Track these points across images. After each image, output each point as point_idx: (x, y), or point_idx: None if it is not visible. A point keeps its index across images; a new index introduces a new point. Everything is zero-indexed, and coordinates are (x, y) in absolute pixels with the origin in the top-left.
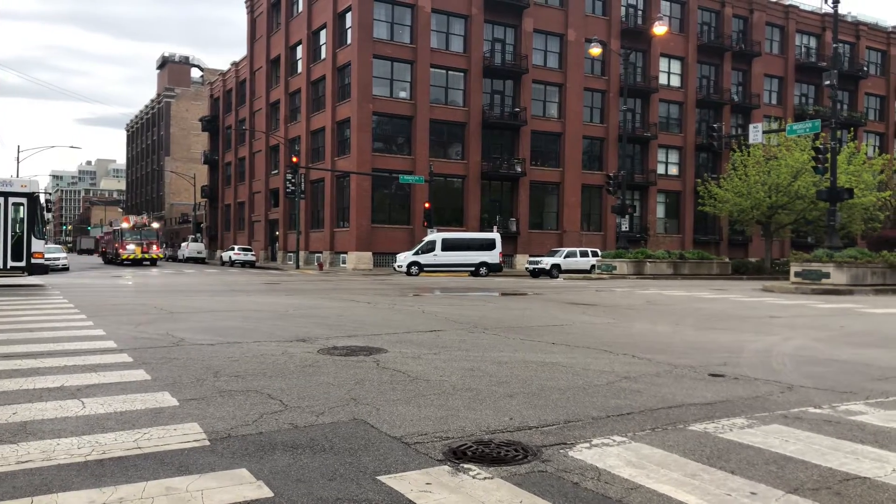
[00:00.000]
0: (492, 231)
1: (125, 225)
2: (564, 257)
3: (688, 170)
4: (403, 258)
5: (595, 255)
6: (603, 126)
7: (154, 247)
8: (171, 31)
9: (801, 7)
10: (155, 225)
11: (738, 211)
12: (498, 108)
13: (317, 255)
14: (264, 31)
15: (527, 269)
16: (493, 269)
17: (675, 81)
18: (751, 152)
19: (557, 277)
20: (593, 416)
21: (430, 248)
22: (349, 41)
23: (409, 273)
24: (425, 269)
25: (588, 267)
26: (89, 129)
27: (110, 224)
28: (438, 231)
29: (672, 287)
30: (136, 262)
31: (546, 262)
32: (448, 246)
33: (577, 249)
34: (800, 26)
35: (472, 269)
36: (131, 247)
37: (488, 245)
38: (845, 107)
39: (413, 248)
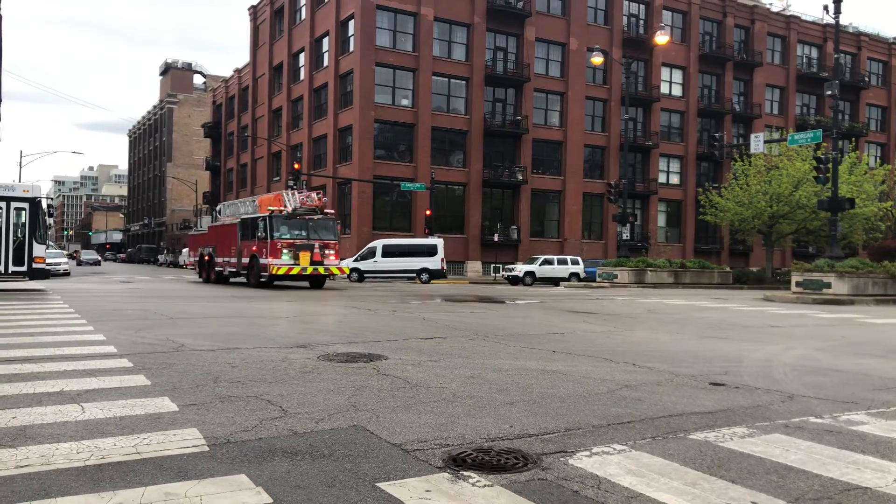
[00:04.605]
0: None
1: (276, 208)
2: (540, 265)
3: (689, 179)
4: (344, 265)
5: (575, 262)
6: (604, 135)
7: (331, 253)
8: (173, 36)
9: (803, 17)
10: (330, 211)
11: (739, 220)
12: (500, 116)
13: None
14: (267, 38)
15: (504, 276)
16: (434, 276)
17: (677, 91)
18: (752, 162)
19: (531, 285)
20: (594, 425)
21: (370, 254)
22: (352, 49)
23: (349, 279)
24: (366, 275)
25: (567, 275)
26: (91, 135)
27: (214, 214)
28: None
29: (673, 296)
30: (288, 279)
31: (519, 269)
32: (389, 252)
33: (555, 257)
34: (801, 37)
35: (413, 275)
36: (286, 255)
37: (430, 251)
38: (847, 117)
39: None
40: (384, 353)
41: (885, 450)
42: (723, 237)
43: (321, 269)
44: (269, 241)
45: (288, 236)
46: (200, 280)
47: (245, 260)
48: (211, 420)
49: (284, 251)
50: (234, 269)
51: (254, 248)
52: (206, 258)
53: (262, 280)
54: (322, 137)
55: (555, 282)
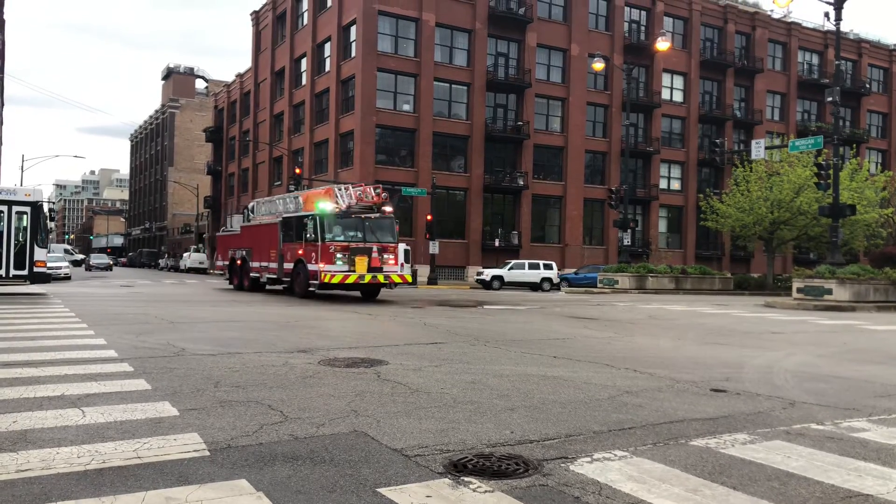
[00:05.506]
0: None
1: (327, 206)
2: (509, 269)
3: (690, 185)
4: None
5: (548, 267)
6: (605, 140)
7: (391, 257)
8: (174, 40)
9: (804, 24)
10: (388, 208)
11: (740, 226)
12: (501, 121)
13: None
14: (269, 43)
15: (476, 280)
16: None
17: (678, 97)
18: (753, 168)
19: (499, 289)
20: (595, 431)
21: None
22: (353, 54)
23: None
24: None
25: (538, 280)
26: (92, 139)
27: (247, 213)
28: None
29: (674, 302)
30: (342, 288)
31: (487, 273)
32: None
33: (526, 262)
34: (802, 43)
35: None
36: (340, 261)
37: None
38: (848, 123)
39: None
40: (385, 359)
41: (886, 457)
42: (724, 243)
43: (380, 277)
44: (319, 243)
45: (342, 238)
46: (231, 287)
47: (288, 265)
48: (212, 425)
49: (338, 255)
50: (273, 276)
51: (300, 252)
52: (239, 262)
53: (311, 289)
54: (323, 142)
55: (531, 286)
